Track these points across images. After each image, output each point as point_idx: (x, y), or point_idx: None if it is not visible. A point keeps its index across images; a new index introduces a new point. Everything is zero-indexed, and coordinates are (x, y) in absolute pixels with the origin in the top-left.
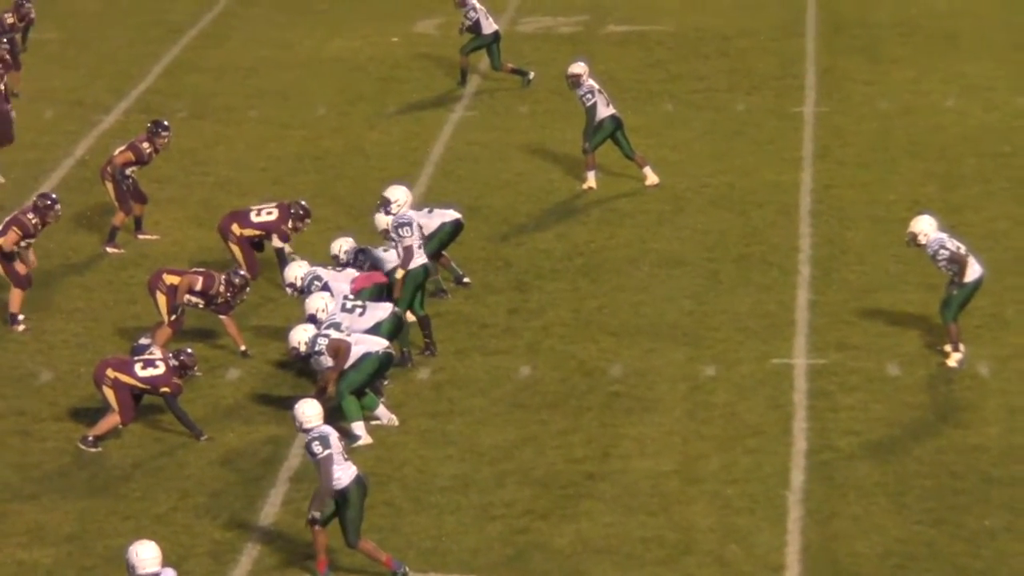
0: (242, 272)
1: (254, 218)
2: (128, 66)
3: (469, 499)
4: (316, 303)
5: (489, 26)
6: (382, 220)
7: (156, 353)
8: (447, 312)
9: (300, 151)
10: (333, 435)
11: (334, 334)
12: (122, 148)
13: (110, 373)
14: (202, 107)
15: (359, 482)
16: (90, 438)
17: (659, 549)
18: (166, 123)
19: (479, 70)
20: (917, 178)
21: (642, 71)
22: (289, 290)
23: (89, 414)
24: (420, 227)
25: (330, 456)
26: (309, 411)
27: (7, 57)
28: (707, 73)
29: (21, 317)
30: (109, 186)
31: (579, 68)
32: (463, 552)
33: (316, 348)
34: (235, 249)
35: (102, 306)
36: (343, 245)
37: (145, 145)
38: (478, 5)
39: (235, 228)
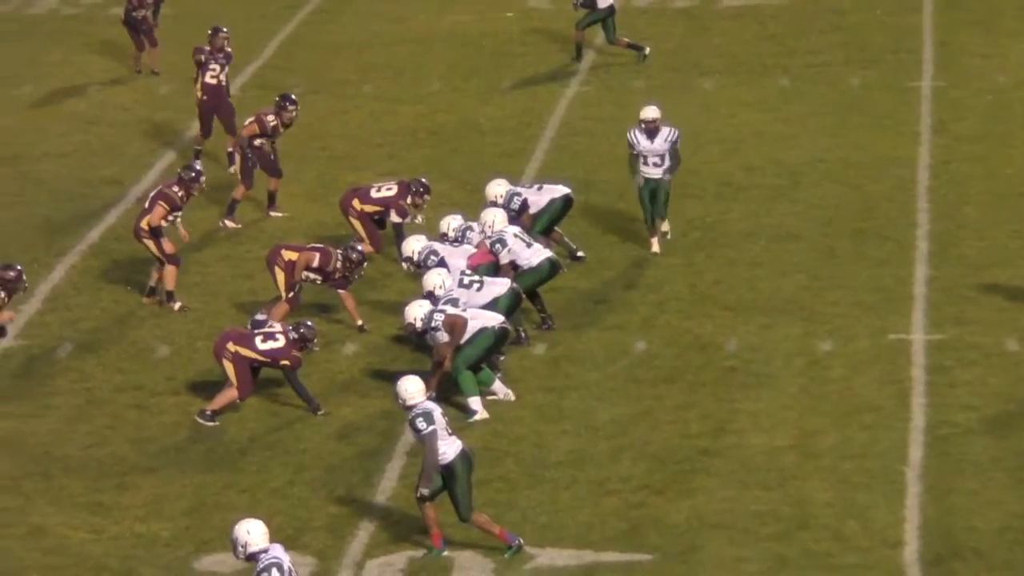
0: (359, 247)
1: (374, 194)
2: (244, 41)
3: (585, 474)
4: (434, 280)
5: (604, 0)
6: (493, 189)
7: (276, 326)
8: (563, 287)
9: (415, 126)
10: (436, 410)
11: (450, 310)
12: (249, 120)
13: (231, 346)
14: (317, 82)
15: (464, 456)
16: (208, 412)
17: (775, 524)
18: (293, 97)
19: (594, 45)
20: None
21: (757, 45)
22: (405, 264)
23: (206, 388)
24: (518, 235)
25: (434, 432)
26: (412, 387)
27: (228, 49)
28: (822, 47)
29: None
30: (237, 158)
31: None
32: (578, 527)
33: (432, 324)
34: (356, 224)
35: (218, 281)
36: (452, 223)
37: (270, 118)
38: None
39: (356, 204)
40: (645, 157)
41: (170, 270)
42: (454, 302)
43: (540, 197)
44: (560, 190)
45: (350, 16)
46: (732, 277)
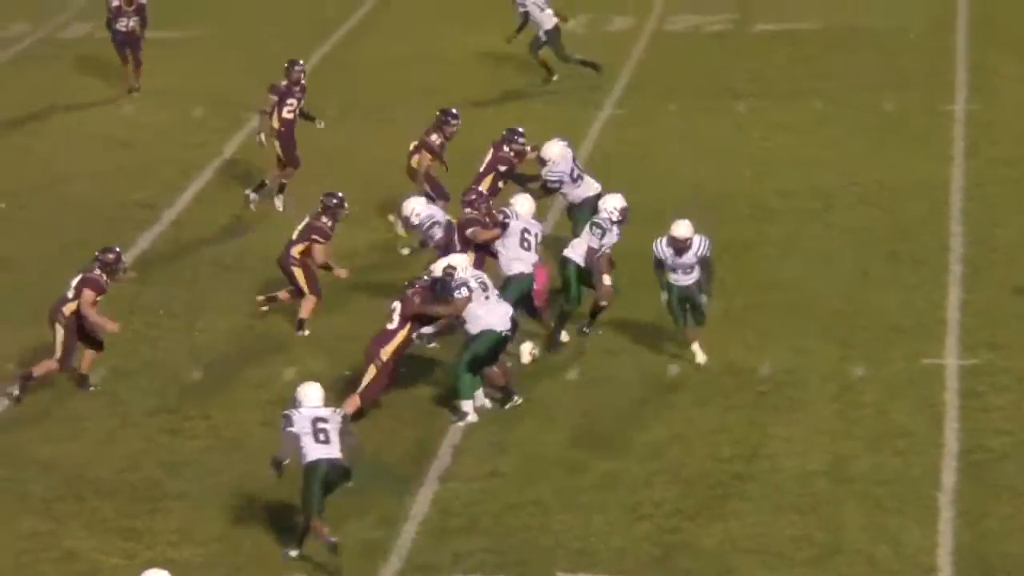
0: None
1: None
2: (278, 63)
3: (617, 497)
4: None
5: (548, 21)
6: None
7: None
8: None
9: (448, 147)
10: (306, 416)
11: (473, 284)
12: (414, 151)
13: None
14: (350, 104)
15: (331, 465)
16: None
17: (808, 548)
18: (454, 111)
19: (622, 69)
20: None
21: (790, 68)
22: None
23: (235, 409)
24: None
25: (289, 434)
26: (312, 392)
27: (303, 81)
28: (856, 70)
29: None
30: (425, 186)
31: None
32: (611, 552)
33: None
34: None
35: (249, 303)
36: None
37: (435, 138)
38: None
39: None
40: (674, 268)
41: (310, 299)
42: (484, 285)
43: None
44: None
45: (379, 37)
46: (765, 301)
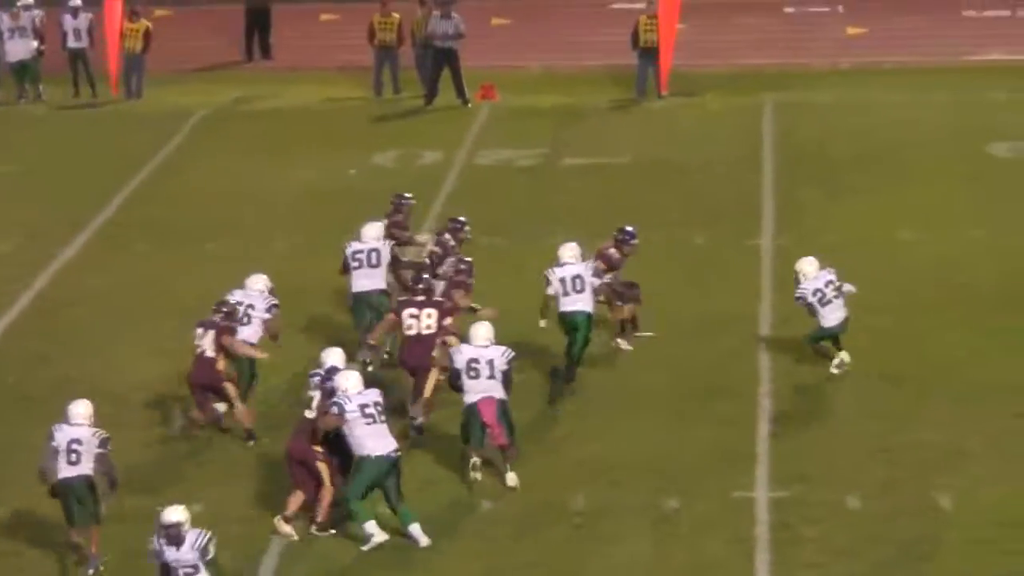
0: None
1: None
2: (90, 196)
3: None
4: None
5: None
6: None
7: None
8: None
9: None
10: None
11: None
12: (596, 261)
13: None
14: (160, 238)
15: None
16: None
17: None
18: (630, 229)
19: (433, 209)
20: (874, 309)
21: (601, 202)
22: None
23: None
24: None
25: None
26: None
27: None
28: (666, 204)
29: None
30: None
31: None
32: None
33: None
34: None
35: None
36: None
37: (613, 251)
38: None
39: None
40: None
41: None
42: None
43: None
44: None
45: (194, 173)
46: (577, 436)
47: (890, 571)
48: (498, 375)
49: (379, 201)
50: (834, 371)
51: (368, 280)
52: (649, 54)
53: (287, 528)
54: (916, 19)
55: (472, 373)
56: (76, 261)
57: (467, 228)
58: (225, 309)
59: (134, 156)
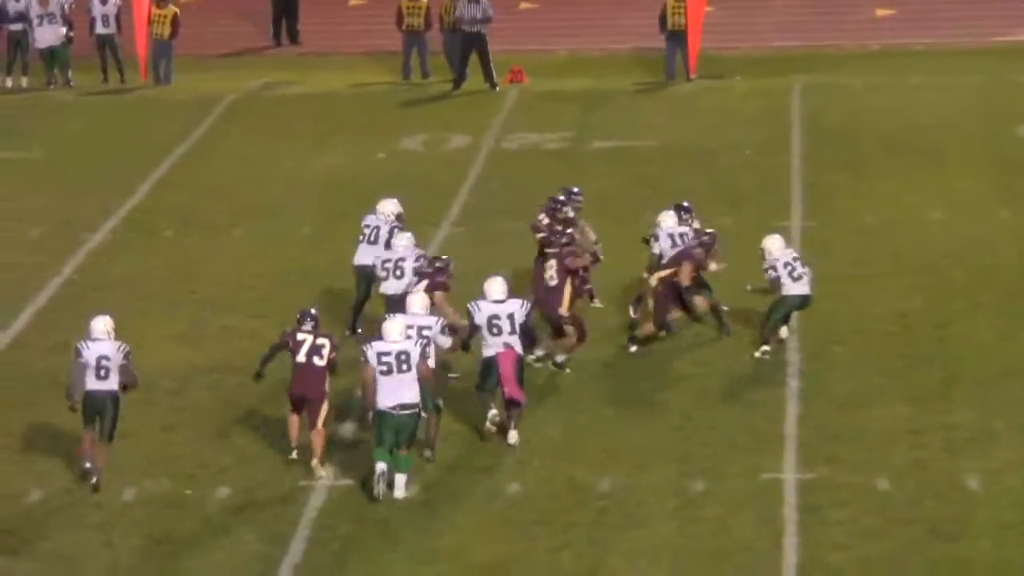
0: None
1: None
2: (116, 183)
3: None
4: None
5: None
6: None
7: None
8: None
9: (286, 268)
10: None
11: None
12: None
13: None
14: (187, 224)
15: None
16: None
17: None
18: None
19: (460, 193)
20: (902, 291)
21: (629, 186)
22: None
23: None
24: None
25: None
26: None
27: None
28: (693, 188)
29: None
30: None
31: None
32: None
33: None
34: None
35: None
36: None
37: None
38: None
39: None
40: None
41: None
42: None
43: None
44: None
45: (221, 160)
46: (604, 419)
47: (918, 553)
48: (517, 328)
49: (407, 185)
50: (759, 355)
51: (364, 255)
52: (677, 37)
53: (323, 471)
54: (946, 0)
55: (494, 330)
56: (104, 247)
57: (578, 196)
58: (439, 264)
59: (162, 142)
